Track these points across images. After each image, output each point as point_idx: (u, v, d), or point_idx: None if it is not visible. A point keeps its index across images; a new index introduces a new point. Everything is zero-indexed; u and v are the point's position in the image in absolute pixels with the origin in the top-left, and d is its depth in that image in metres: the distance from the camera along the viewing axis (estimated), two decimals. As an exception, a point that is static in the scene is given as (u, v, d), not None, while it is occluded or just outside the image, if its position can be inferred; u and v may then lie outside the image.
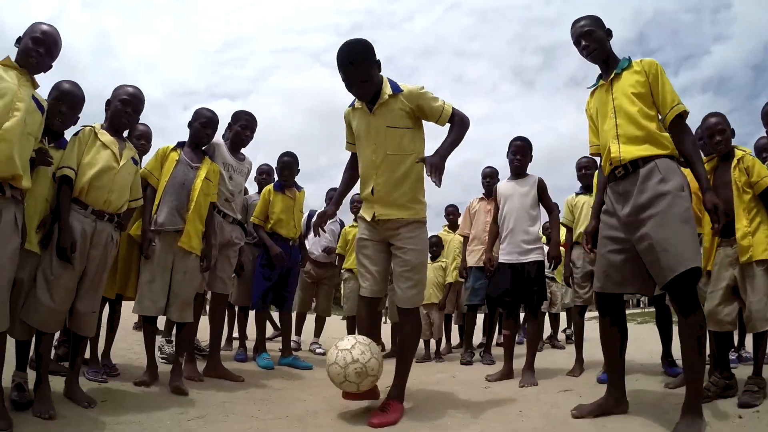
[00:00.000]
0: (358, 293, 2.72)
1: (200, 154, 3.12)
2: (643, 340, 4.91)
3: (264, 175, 4.54)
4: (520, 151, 3.58)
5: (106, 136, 2.55)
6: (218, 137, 3.34)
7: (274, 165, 4.18)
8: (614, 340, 2.41)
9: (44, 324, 2.28)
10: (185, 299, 2.94)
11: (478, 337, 4.94)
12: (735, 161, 2.65)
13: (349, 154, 2.79)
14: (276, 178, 4.14)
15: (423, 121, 2.55)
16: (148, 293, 2.83)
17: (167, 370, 2.91)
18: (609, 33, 2.44)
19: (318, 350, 4.81)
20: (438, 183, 2.29)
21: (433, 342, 4.70)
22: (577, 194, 4.05)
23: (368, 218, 2.57)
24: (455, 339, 5.63)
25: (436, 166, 2.30)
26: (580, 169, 4.08)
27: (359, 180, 2.66)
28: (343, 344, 2.41)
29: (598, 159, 2.69)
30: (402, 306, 2.55)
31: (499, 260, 3.54)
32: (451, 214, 5.49)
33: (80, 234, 2.35)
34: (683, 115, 2.27)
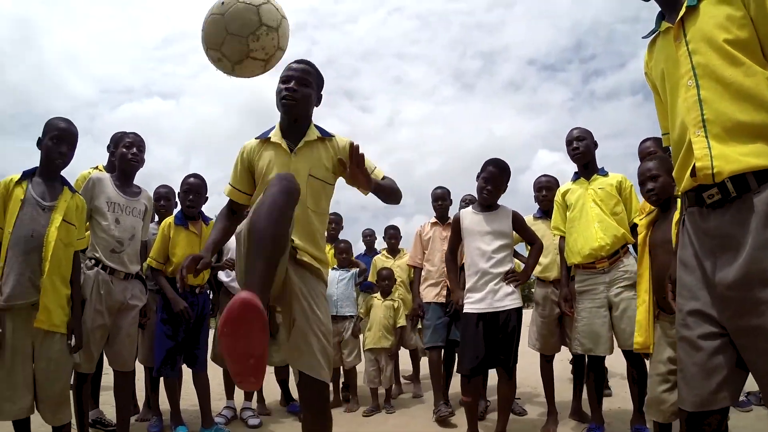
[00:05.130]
0: None
1: (55, 188, 2.32)
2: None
3: (162, 201, 3.54)
4: (493, 181, 2.80)
5: None
6: (99, 172, 2.67)
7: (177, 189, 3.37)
8: None
9: None
10: (57, 395, 2.21)
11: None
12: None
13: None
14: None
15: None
16: (6, 392, 2.08)
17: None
18: None
19: (251, 421, 3.45)
20: None
21: (382, 391, 3.92)
22: (536, 217, 3.48)
23: None
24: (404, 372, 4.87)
25: None
26: (540, 189, 3.45)
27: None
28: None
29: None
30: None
31: (465, 309, 2.76)
32: (393, 237, 4.55)
33: None
34: None
